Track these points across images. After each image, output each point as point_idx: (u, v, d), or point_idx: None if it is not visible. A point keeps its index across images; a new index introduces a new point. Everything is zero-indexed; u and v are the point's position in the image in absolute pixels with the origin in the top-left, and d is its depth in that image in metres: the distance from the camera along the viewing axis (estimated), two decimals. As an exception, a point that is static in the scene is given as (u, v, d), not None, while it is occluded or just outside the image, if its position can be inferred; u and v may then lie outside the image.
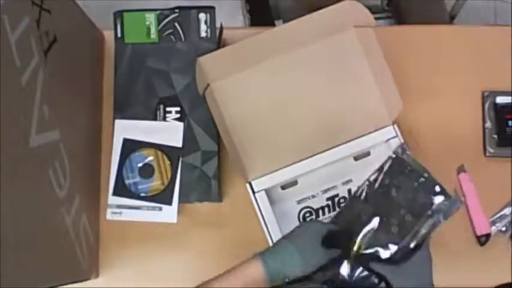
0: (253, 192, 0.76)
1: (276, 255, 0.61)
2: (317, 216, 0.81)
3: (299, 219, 0.81)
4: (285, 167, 0.76)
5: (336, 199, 0.81)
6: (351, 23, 0.76)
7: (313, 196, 0.81)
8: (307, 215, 0.81)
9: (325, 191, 0.81)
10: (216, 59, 0.75)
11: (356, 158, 0.80)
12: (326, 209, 0.81)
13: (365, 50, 0.76)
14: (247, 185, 0.76)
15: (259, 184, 0.76)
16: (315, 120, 0.76)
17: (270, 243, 0.74)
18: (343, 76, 0.77)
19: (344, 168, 0.80)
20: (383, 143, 0.79)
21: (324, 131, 0.76)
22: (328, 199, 0.81)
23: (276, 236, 0.74)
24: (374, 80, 0.76)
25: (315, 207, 0.81)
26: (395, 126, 0.78)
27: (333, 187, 0.81)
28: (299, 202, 0.81)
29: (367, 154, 0.80)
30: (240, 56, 0.75)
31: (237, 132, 0.75)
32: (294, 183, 0.80)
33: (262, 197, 0.76)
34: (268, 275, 0.60)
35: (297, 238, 0.61)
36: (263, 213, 0.75)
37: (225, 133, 0.77)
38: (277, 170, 0.76)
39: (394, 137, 0.78)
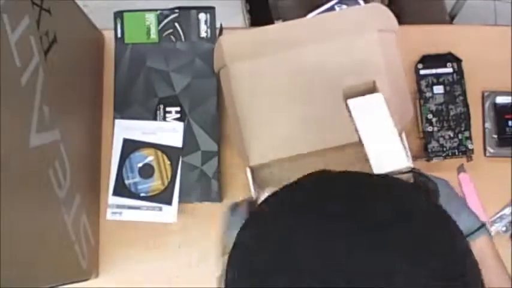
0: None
1: None
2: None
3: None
4: (285, 157, 0.74)
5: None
6: (375, 25, 0.75)
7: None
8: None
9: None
10: (237, 41, 0.74)
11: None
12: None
13: (384, 54, 0.75)
14: (247, 169, 0.75)
15: (259, 184, 0.75)
16: (324, 118, 0.75)
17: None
18: (357, 77, 0.75)
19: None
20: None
21: (330, 130, 0.75)
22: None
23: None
24: (388, 85, 0.75)
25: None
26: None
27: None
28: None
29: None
30: (261, 42, 0.74)
31: (244, 116, 0.73)
32: (294, 183, 0.79)
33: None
34: None
35: None
36: (263, 213, 0.75)
37: (232, 115, 0.76)
38: (276, 161, 0.74)
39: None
